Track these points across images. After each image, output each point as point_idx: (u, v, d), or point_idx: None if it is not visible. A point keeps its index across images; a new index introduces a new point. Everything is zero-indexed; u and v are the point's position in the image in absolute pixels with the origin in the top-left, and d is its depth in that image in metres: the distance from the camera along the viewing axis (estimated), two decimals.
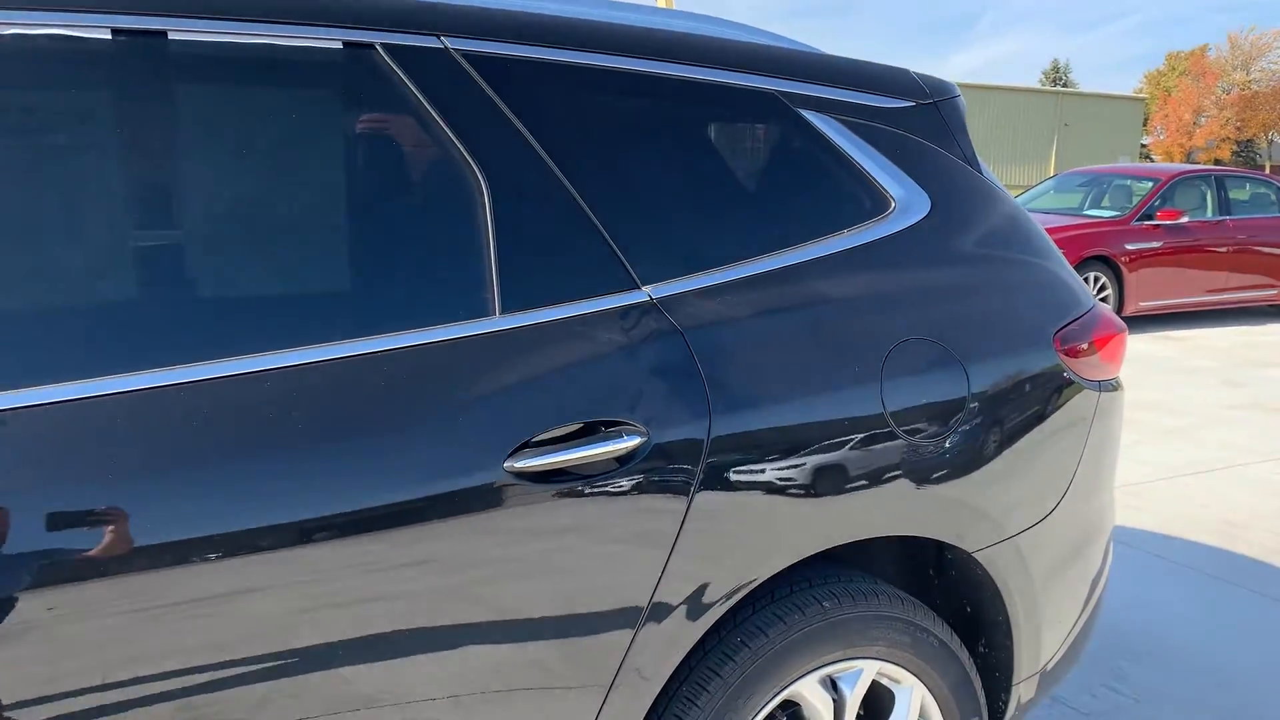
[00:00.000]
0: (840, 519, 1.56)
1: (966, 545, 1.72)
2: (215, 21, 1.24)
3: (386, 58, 1.34)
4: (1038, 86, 47.36)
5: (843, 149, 1.69)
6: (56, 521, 1.08)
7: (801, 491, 1.50)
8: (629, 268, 1.44)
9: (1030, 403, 1.76)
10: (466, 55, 1.40)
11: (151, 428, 1.14)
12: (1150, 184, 9.65)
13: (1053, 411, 1.79)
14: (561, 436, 1.34)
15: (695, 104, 1.60)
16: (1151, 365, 7.57)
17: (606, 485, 1.35)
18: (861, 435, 1.55)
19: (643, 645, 1.42)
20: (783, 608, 1.59)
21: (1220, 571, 3.64)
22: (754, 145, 1.74)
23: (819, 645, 1.60)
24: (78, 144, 1.20)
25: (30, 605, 1.06)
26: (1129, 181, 10.13)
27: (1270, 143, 51.88)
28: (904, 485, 1.60)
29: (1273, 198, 10.22)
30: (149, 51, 1.22)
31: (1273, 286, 9.86)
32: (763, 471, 1.46)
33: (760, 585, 1.55)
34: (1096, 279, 8.83)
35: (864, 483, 1.56)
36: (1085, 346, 1.83)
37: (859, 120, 1.73)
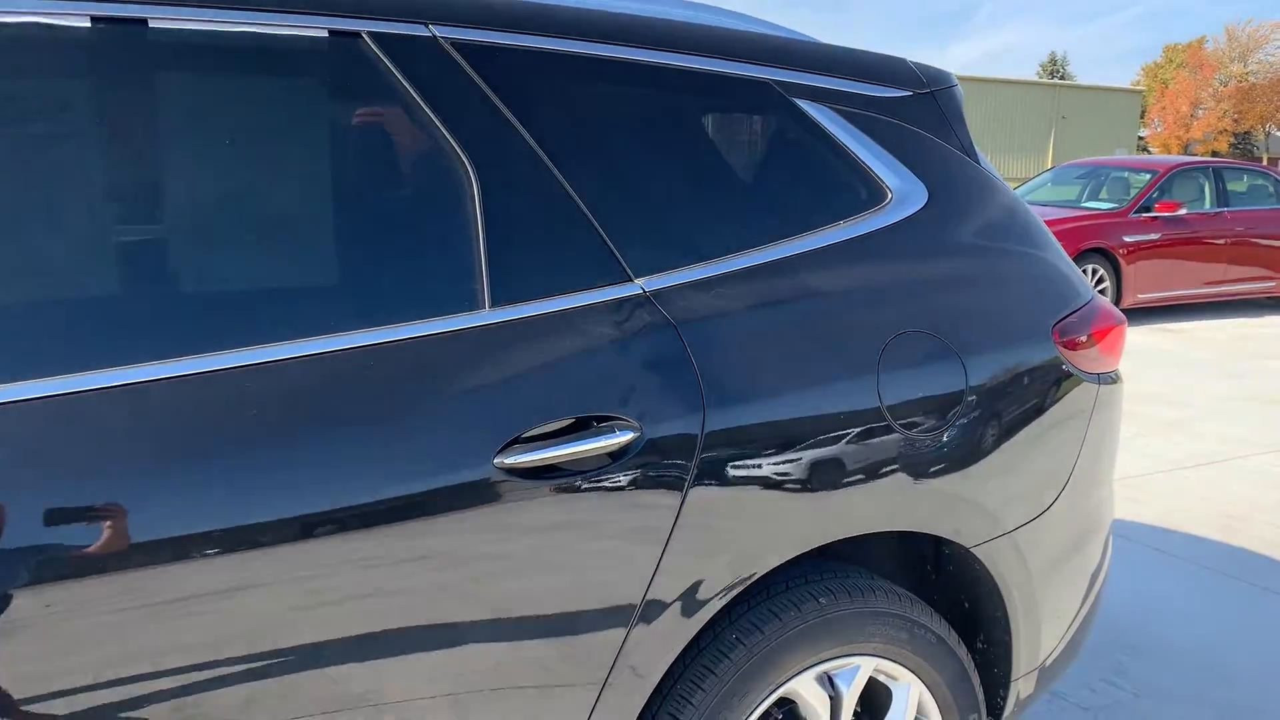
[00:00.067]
0: (836, 514, 1.54)
1: (964, 540, 1.70)
2: (198, 9, 1.22)
3: (373, 46, 1.32)
4: (1035, 79, 47.32)
5: (839, 139, 1.67)
6: (43, 517, 1.06)
7: (797, 487, 1.48)
8: (621, 260, 1.42)
9: (1029, 396, 1.74)
10: (455, 44, 1.37)
11: (131, 424, 1.12)
12: (1148, 176, 9.64)
13: (1051, 405, 1.77)
14: (553, 432, 1.31)
15: (688, 93, 1.58)
16: (1149, 357, 7.56)
17: (599, 481, 1.33)
18: (858, 429, 1.53)
19: (637, 642, 1.41)
20: (778, 604, 1.57)
21: (1220, 565, 3.63)
22: (749, 135, 1.72)
23: (815, 642, 1.58)
24: (57, 135, 1.18)
25: (22, 602, 1.04)
26: (1126, 173, 10.11)
27: (1268, 134, 51.91)
28: (901, 480, 1.58)
29: (1270, 190, 10.20)
30: (130, 40, 1.20)
31: (1271, 278, 9.86)
32: (758, 467, 1.44)
33: (756, 582, 1.53)
34: (1094, 271, 8.81)
35: (860, 477, 1.54)
36: (1084, 339, 1.81)
37: (855, 110, 1.71)
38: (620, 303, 1.40)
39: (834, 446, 1.51)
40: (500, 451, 1.27)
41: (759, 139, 1.69)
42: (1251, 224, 9.70)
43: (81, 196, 1.17)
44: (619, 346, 1.38)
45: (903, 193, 1.70)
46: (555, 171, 1.40)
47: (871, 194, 1.68)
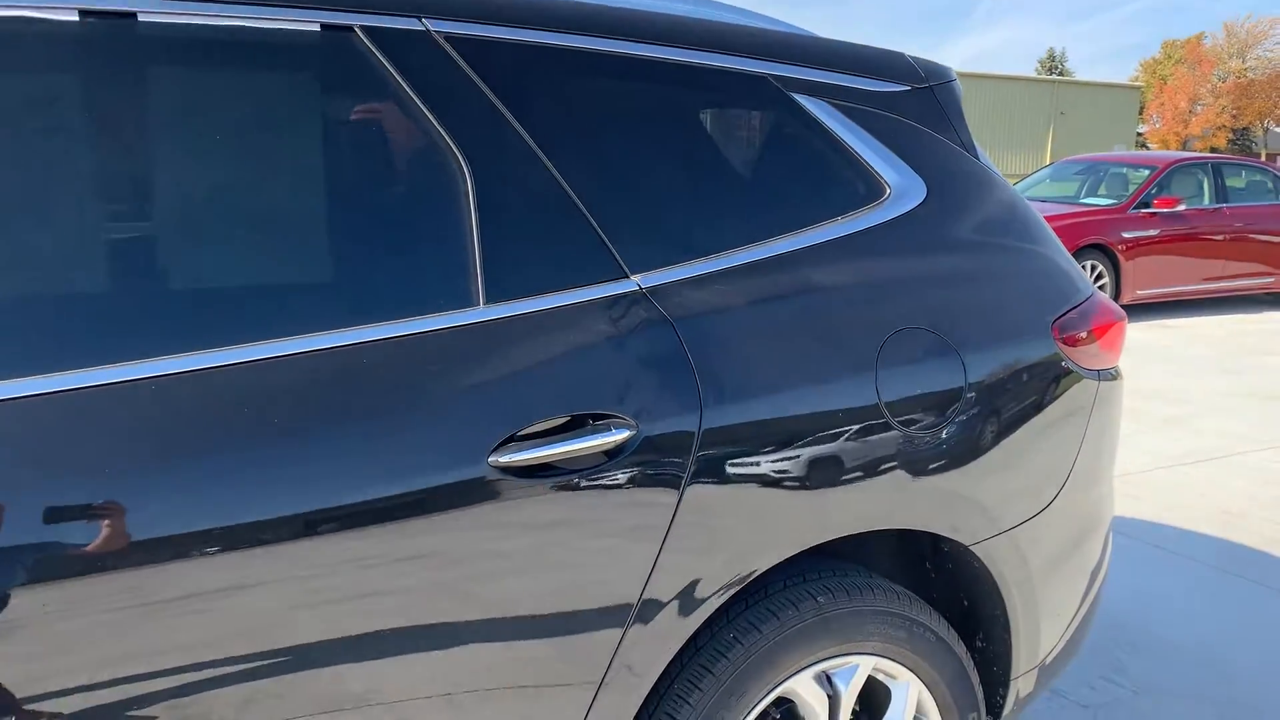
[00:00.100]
0: (835, 512, 1.53)
1: (963, 538, 1.69)
2: (188, 3, 1.21)
3: (366, 40, 1.30)
4: (1033, 75, 47.28)
5: (836, 134, 1.66)
6: (40, 515, 1.05)
7: (795, 485, 1.47)
8: (617, 256, 1.41)
9: (1028, 393, 1.72)
10: (449, 38, 1.36)
11: (124, 422, 1.11)
12: (1147, 172, 9.63)
13: (1051, 401, 1.76)
14: (548, 430, 1.30)
15: (685, 88, 1.56)
16: (1148, 354, 7.55)
17: (595, 479, 1.32)
18: (856, 427, 1.52)
19: (633, 642, 1.39)
20: (776, 603, 1.56)
21: (1220, 562, 3.62)
22: (746, 130, 1.71)
23: (814, 641, 1.57)
24: (47, 131, 1.17)
25: (20, 602, 1.03)
26: (1125, 169, 10.10)
27: (1266, 130, 51.91)
28: (899, 477, 1.57)
29: (1269, 185, 10.20)
30: (119, 34, 1.18)
31: (1270, 274, 9.85)
32: (755, 464, 1.43)
33: (753, 580, 1.52)
34: (1093, 267, 8.81)
35: (859, 475, 1.53)
36: (1084, 335, 1.80)
37: (853, 104, 1.69)
38: (616, 299, 1.39)
39: (832, 444, 1.50)
40: (495, 450, 1.26)
41: (756, 134, 1.68)
42: (1250, 220, 9.70)
43: (75, 192, 1.16)
44: (615, 343, 1.37)
45: (901, 188, 1.69)
46: (550, 167, 1.39)
47: (869, 189, 1.66)
